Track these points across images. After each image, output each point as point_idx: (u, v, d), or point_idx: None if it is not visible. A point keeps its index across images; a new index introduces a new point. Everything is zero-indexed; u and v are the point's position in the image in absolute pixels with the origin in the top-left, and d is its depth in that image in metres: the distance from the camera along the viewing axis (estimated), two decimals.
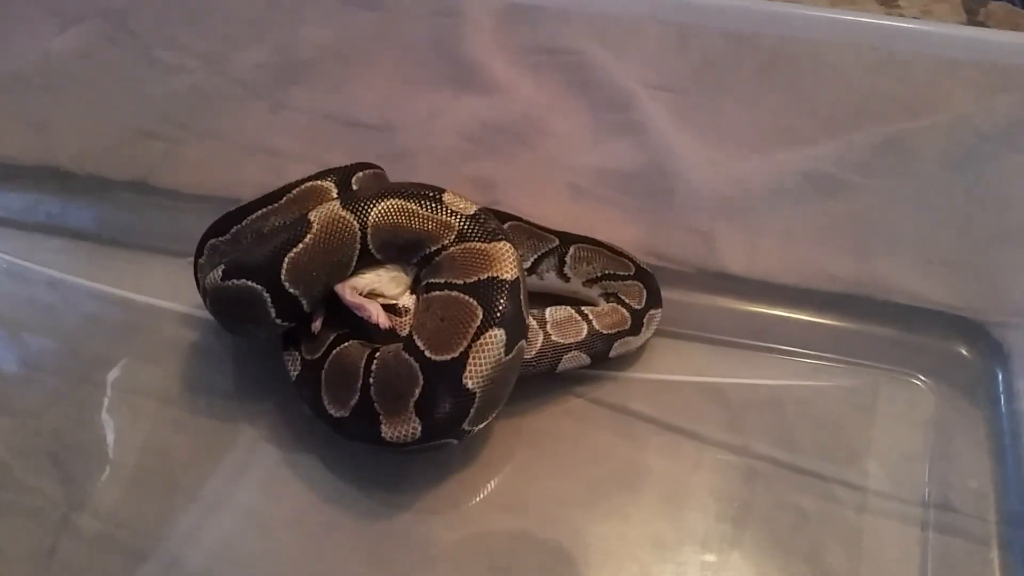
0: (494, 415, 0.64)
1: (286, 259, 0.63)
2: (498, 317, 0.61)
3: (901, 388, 0.73)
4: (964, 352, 0.75)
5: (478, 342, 0.61)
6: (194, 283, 0.71)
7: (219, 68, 0.83)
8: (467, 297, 0.62)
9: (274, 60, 0.83)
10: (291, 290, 0.64)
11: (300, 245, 0.63)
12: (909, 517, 0.66)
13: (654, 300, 0.74)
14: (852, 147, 0.77)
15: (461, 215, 0.66)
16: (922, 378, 0.73)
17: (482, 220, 0.66)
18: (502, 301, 0.62)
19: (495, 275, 0.63)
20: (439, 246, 0.65)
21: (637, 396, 0.72)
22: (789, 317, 0.77)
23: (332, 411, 0.64)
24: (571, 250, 0.76)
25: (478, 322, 0.61)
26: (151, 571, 0.63)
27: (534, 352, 0.69)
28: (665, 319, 0.76)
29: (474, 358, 0.60)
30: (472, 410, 0.61)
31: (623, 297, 0.74)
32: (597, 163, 0.79)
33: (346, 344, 0.65)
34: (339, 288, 0.66)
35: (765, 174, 0.77)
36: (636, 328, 0.72)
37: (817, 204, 0.77)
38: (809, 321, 0.77)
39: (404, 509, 0.66)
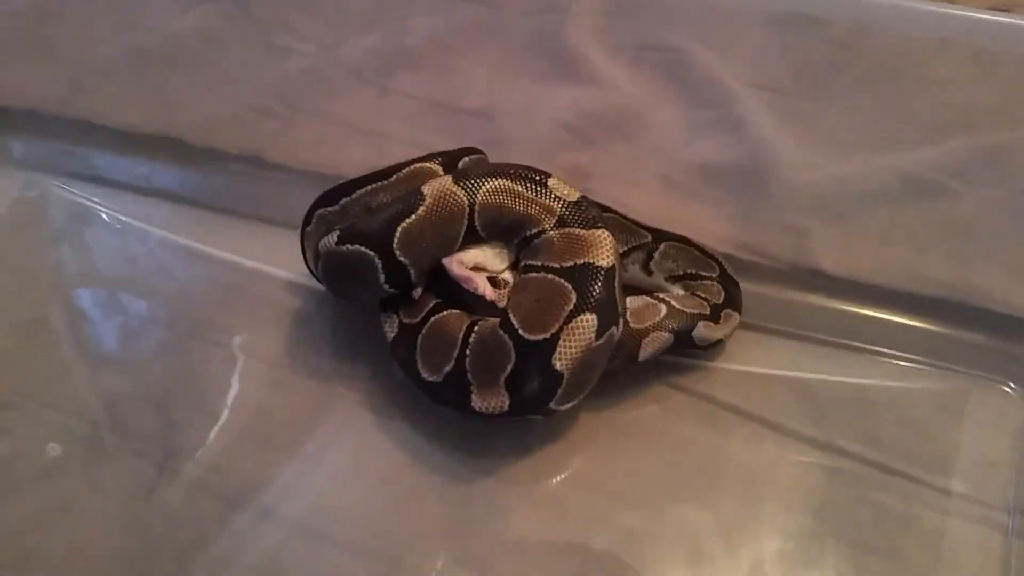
0: (581, 397, 0.65)
1: (399, 229, 0.65)
2: (591, 302, 0.63)
3: (991, 395, 0.72)
4: None
5: (570, 325, 0.62)
6: (299, 251, 0.74)
7: (331, 53, 0.87)
8: (562, 281, 0.64)
9: (383, 47, 0.87)
10: (401, 258, 0.66)
11: (413, 216, 0.66)
12: (992, 522, 0.65)
13: (733, 303, 0.74)
14: (952, 153, 0.77)
15: (563, 200, 0.67)
16: (1013, 386, 0.72)
17: (583, 207, 0.67)
18: (596, 287, 0.63)
19: (591, 261, 0.64)
20: (540, 229, 0.67)
21: (723, 386, 0.73)
22: (881, 318, 0.76)
23: (425, 375, 0.66)
24: (661, 247, 0.76)
25: (571, 305, 0.63)
26: (245, 519, 0.65)
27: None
28: (755, 313, 0.76)
29: (565, 340, 0.62)
30: (559, 390, 0.63)
31: (701, 293, 0.74)
32: (693, 157, 0.80)
33: (445, 312, 0.67)
34: (446, 261, 0.68)
35: (863, 176, 0.78)
36: (715, 317, 0.72)
37: (914, 208, 0.77)
38: (901, 323, 0.76)
39: (486, 476, 0.67)
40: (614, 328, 0.64)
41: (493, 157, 0.77)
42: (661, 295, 0.73)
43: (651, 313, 0.70)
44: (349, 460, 0.69)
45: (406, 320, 0.68)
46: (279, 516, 0.66)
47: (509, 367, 0.63)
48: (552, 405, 0.64)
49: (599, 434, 0.70)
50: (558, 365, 0.62)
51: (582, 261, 0.64)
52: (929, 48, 0.77)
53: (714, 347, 0.74)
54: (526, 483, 0.67)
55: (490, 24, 0.85)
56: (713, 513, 0.66)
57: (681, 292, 0.75)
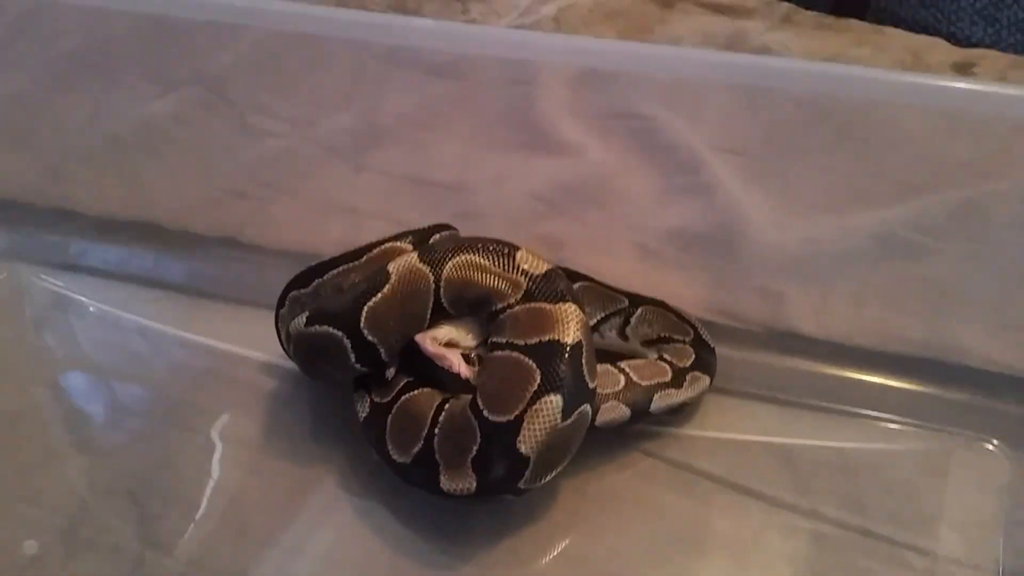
0: (554, 474, 0.64)
1: (365, 308, 0.65)
2: (556, 382, 0.61)
3: (975, 453, 0.71)
4: None
5: (534, 407, 0.61)
6: (275, 332, 0.74)
7: (306, 133, 0.88)
8: (527, 359, 0.63)
9: (358, 125, 0.87)
10: (370, 338, 0.66)
11: (379, 295, 0.66)
12: None
13: (703, 366, 0.74)
14: (925, 211, 0.77)
15: (530, 274, 0.66)
16: (996, 443, 0.71)
17: (551, 280, 0.66)
18: (561, 365, 0.62)
19: (557, 338, 0.63)
20: (505, 304, 0.66)
21: (702, 454, 0.72)
22: (860, 379, 0.76)
23: (395, 456, 0.65)
24: (638, 311, 0.76)
25: (535, 386, 0.61)
26: None
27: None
28: (732, 378, 0.76)
29: (529, 423, 0.61)
30: (527, 471, 0.62)
31: (669, 356, 0.74)
32: (665, 224, 0.80)
33: (416, 392, 0.67)
34: (419, 338, 0.67)
35: (836, 236, 0.78)
36: (677, 382, 0.71)
37: (889, 267, 0.77)
38: (880, 383, 0.76)
39: (466, 560, 0.66)
40: (586, 406, 0.63)
41: (467, 230, 0.77)
42: (621, 363, 0.72)
43: (610, 382, 0.69)
44: (327, 548, 0.68)
45: (377, 399, 0.68)
46: None
47: (475, 448, 0.62)
48: (521, 485, 0.63)
49: (579, 508, 0.69)
50: (523, 448, 0.61)
51: (547, 338, 0.63)
52: (898, 107, 0.77)
53: (678, 412, 0.73)
54: (507, 564, 0.66)
55: (460, 98, 0.85)
56: None
57: (644, 360, 0.74)
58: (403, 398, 0.67)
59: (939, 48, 0.96)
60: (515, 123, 0.85)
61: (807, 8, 1.01)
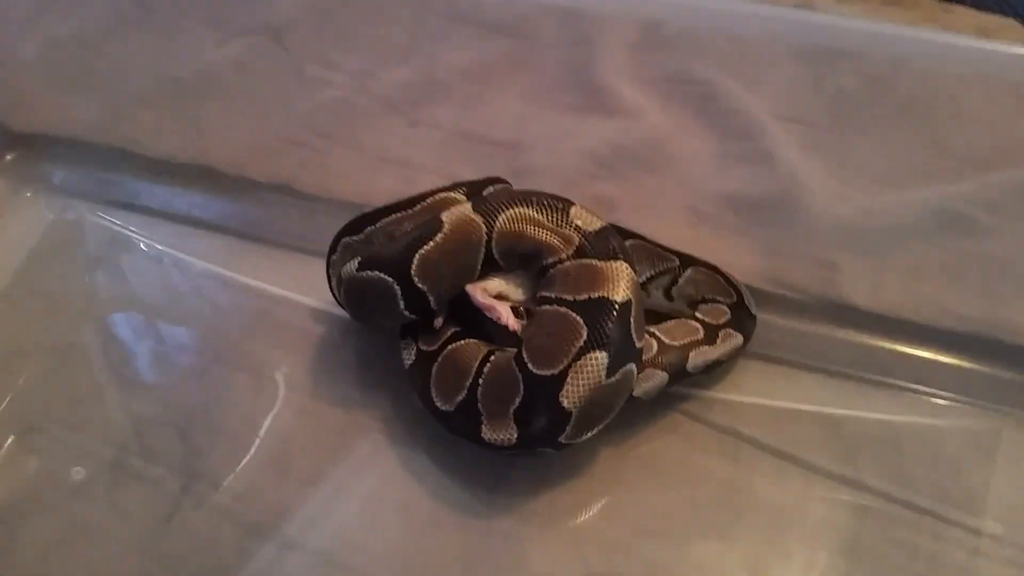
0: (595, 431, 0.64)
1: (417, 255, 0.65)
2: (603, 339, 0.61)
3: None
4: None
5: (579, 362, 0.61)
6: (325, 279, 0.75)
7: (363, 85, 0.88)
8: (574, 315, 0.62)
9: (415, 79, 0.87)
10: (420, 285, 0.66)
11: (431, 243, 0.65)
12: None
13: (738, 326, 0.73)
14: (986, 188, 0.76)
15: (583, 230, 0.66)
16: None
17: (604, 237, 0.66)
18: (609, 323, 0.61)
19: (605, 295, 0.62)
20: (556, 259, 0.66)
21: (747, 421, 0.71)
22: (911, 354, 0.75)
23: (439, 403, 0.66)
24: (687, 272, 0.75)
25: (581, 342, 0.61)
26: (265, 548, 0.66)
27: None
28: (782, 347, 0.75)
29: (573, 378, 0.60)
30: (568, 427, 0.62)
31: (701, 315, 0.73)
32: (720, 189, 0.80)
33: (462, 342, 0.67)
34: (470, 289, 0.67)
35: (895, 210, 0.77)
36: (710, 339, 0.71)
37: (947, 242, 0.76)
38: (932, 359, 0.74)
39: (504, 509, 0.67)
40: (631, 365, 0.63)
41: (520, 186, 0.77)
42: (651, 328, 0.71)
43: (646, 349, 0.68)
44: (369, 491, 0.69)
45: (424, 348, 0.68)
46: (299, 545, 0.66)
47: (518, 400, 0.62)
48: (563, 439, 0.63)
49: (619, 466, 0.69)
50: (565, 403, 0.61)
51: (596, 295, 0.63)
52: (963, 82, 0.76)
53: (714, 369, 0.72)
54: (545, 515, 0.67)
55: (520, 57, 0.85)
56: (737, 550, 0.65)
57: (674, 321, 0.73)
58: (449, 347, 0.67)
59: (1009, 28, 0.94)
60: (573, 83, 0.85)
61: None
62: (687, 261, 0.76)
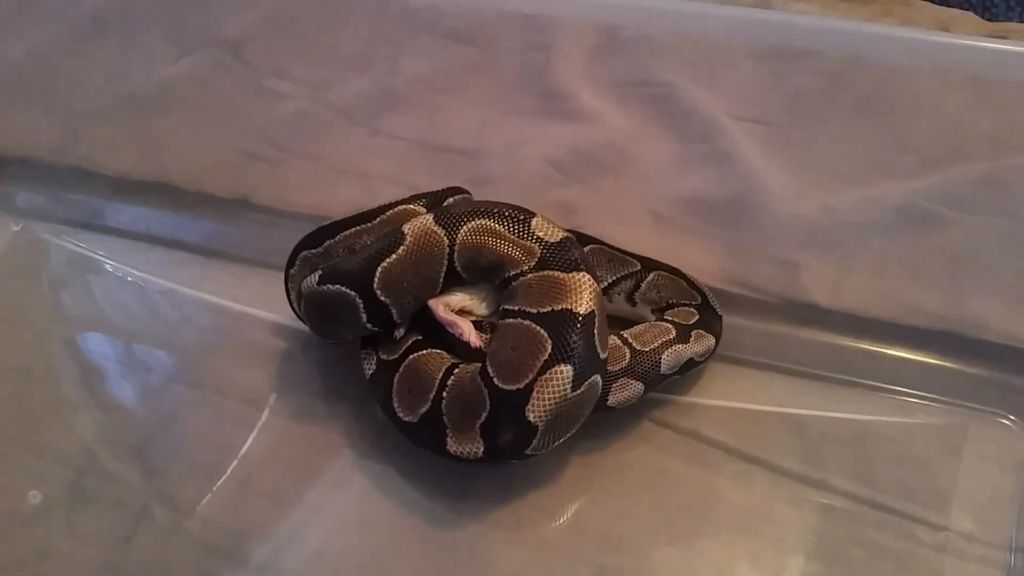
0: (561, 442, 0.63)
1: (379, 268, 0.65)
2: (567, 352, 0.60)
3: (991, 429, 0.70)
4: None
5: (544, 376, 0.60)
6: (283, 292, 0.74)
7: (321, 96, 0.88)
8: (538, 328, 0.62)
9: (373, 90, 0.87)
10: (383, 298, 0.65)
11: (393, 256, 0.65)
12: (992, 561, 0.63)
13: (708, 327, 0.72)
14: (948, 183, 0.75)
15: (545, 241, 0.65)
16: (1012, 419, 0.70)
17: (565, 248, 0.65)
18: (573, 335, 0.61)
19: (569, 307, 0.62)
20: (518, 271, 0.65)
21: (712, 423, 0.71)
22: (876, 351, 0.74)
23: (401, 415, 0.65)
24: (649, 276, 0.75)
25: (546, 355, 0.60)
26: (220, 563, 0.65)
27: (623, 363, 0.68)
28: (745, 348, 0.75)
29: (538, 392, 0.60)
30: (535, 439, 0.61)
31: (671, 317, 0.73)
32: (681, 191, 0.79)
33: (425, 351, 0.67)
34: (432, 303, 0.67)
35: (856, 207, 0.76)
36: (683, 338, 0.70)
37: (909, 239, 0.75)
38: (897, 356, 0.74)
39: (468, 520, 0.66)
40: (596, 376, 0.62)
41: (480, 196, 0.76)
42: (623, 333, 0.70)
43: (616, 357, 0.68)
44: (330, 504, 0.68)
45: (384, 357, 0.67)
46: (252, 558, 0.65)
47: (484, 415, 0.61)
48: (528, 451, 0.62)
49: (586, 474, 0.69)
50: (531, 417, 0.60)
51: (560, 307, 0.62)
52: (922, 77, 0.76)
53: (688, 371, 0.71)
54: (509, 526, 0.66)
55: (477, 64, 0.85)
56: (705, 554, 0.64)
57: (644, 324, 0.72)
58: (411, 357, 0.66)
59: (969, 21, 0.94)
60: (531, 89, 0.84)
61: None
62: (649, 265, 0.75)
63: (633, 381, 0.68)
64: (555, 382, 0.60)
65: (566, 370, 0.60)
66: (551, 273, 0.64)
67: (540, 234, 0.65)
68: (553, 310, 0.62)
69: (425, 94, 0.86)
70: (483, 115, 0.85)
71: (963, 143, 0.76)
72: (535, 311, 0.63)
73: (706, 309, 0.74)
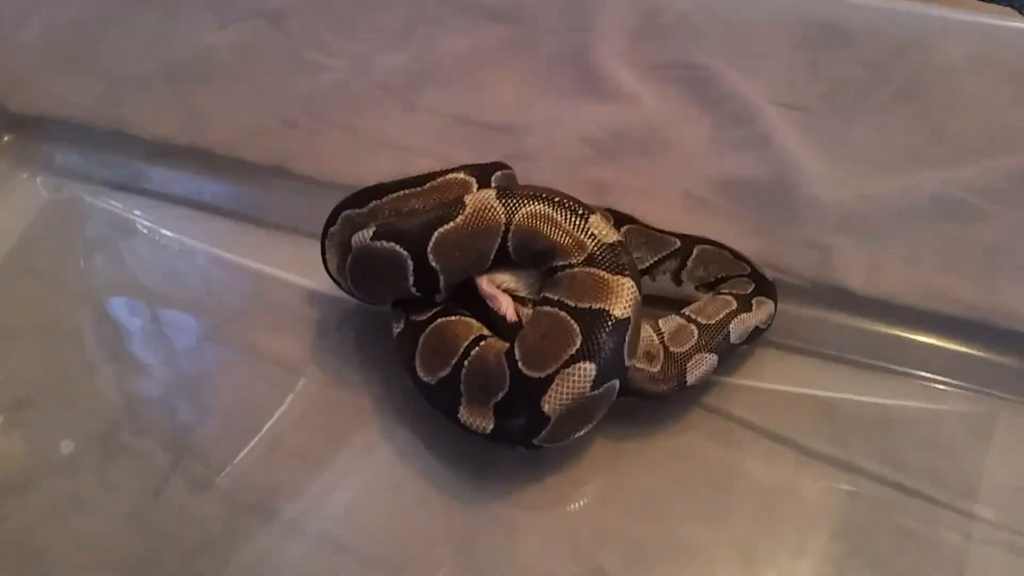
0: (570, 440, 0.64)
1: (436, 233, 0.65)
2: (595, 351, 0.61)
3: (1020, 418, 0.70)
4: None
5: (567, 370, 0.61)
6: (318, 260, 0.75)
7: (361, 69, 0.89)
8: (572, 321, 0.62)
9: (412, 64, 0.88)
10: (433, 263, 0.66)
11: (451, 224, 0.65)
12: (1018, 549, 0.63)
13: (766, 292, 0.73)
14: (984, 174, 0.76)
15: (598, 240, 0.65)
16: None
17: (616, 251, 0.65)
18: (604, 335, 0.61)
19: (606, 308, 0.62)
20: (567, 263, 0.65)
21: (740, 402, 0.71)
22: (907, 338, 0.75)
23: (421, 375, 0.66)
24: (694, 252, 0.75)
25: (574, 350, 0.61)
26: (249, 519, 0.66)
27: (658, 367, 0.68)
28: (776, 331, 0.74)
29: (558, 384, 0.61)
30: (544, 431, 0.62)
31: (726, 290, 0.74)
32: (716, 174, 0.80)
33: (454, 318, 0.67)
34: (478, 278, 0.67)
35: (892, 194, 0.77)
36: (746, 307, 0.71)
37: (944, 228, 0.76)
38: (928, 343, 0.74)
39: (494, 489, 0.67)
40: (615, 381, 0.63)
41: (516, 171, 0.77)
42: (685, 311, 0.71)
43: (687, 335, 0.69)
44: (354, 464, 0.69)
45: (413, 318, 0.68)
46: (280, 515, 0.66)
47: (501, 395, 0.62)
48: (536, 442, 0.63)
49: (609, 446, 0.69)
50: (546, 408, 0.61)
51: (597, 306, 0.62)
52: (962, 68, 0.76)
53: (756, 338, 0.72)
54: (534, 495, 0.67)
55: (517, 42, 0.85)
56: (728, 532, 0.65)
57: (703, 300, 0.73)
58: (438, 320, 0.67)
59: (1007, 16, 0.93)
60: (570, 69, 0.85)
61: None
62: (690, 241, 0.75)
63: (707, 355, 0.69)
64: (576, 377, 0.61)
65: (589, 368, 0.61)
66: (597, 272, 0.64)
67: (595, 232, 0.66)
68: (591, 307, 0.63)
69: (463, 71, 0.87)
70: (521, 93, 0.85)
71: (1000, 136, 0.76)
72: (573, 304, 0.63)
73: (758, 277, 0.74)
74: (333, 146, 0.87)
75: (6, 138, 0.94)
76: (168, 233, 0.85)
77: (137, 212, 0.87)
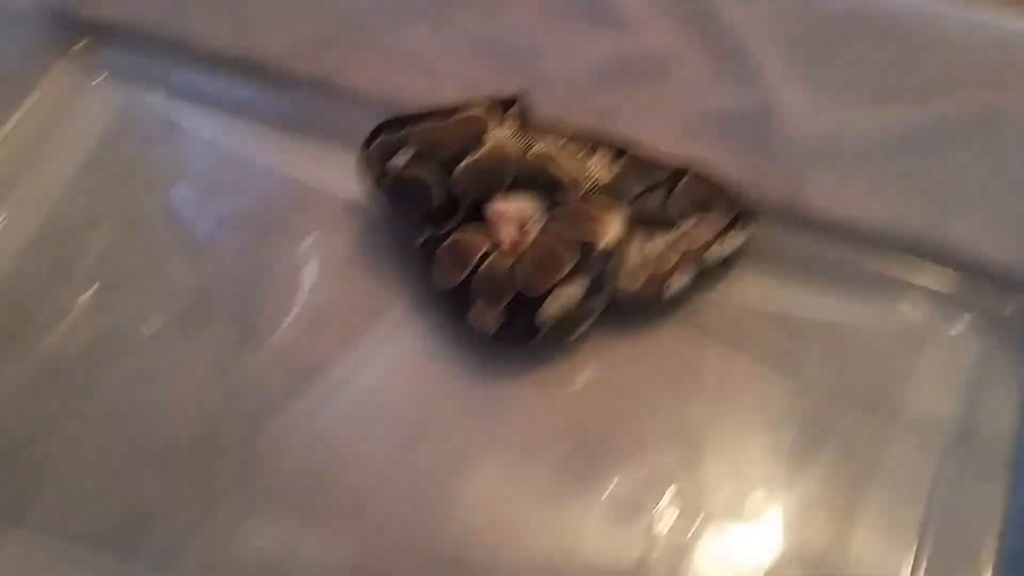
0: (564, 343, 0.79)
1: (458, 168, 0.78)
2: (585, 273, 0.74)
3: (951, 330, 0.81)
4: (1016, 307, 0.82)
5: (560, 289, 0.74)
6: (356, 171, 0.84)
7: None
8: (565, 250, 0.75)
9: None
10: (455, 191, 0.78)
11: (471, 158, 0.78)
12: (931, 447, 0.76)
13: (745, 218, 0.82)
14: (946, 113, 0.84)
15: (595, 179, 0.78)
16: (969, 324, 0.81)
17: (612, 188, 0.78)
18: (593, 261, 0.75)
19: (597, 238, 0.75)
20: (567, 197, 0.77)
21: (709, 315, 0.83)
22: (862, 259, 0.84)
23: (437, 283, 0.79)
24: (683, 180, 0.82)
25: (565, 272, 0.74)
26: (308, 387, 0.80)
27: (641, 284, 0.79)
28: (748, 252, 0.84)
29: (551, 301, 0.74)
30: (539, 336, 0.77)
31: (711, 217, 0.81)
32: (709, 105, 0.88)
33: (469, 232, 0.78)
34: (490, 204, 0.79)
35: (861, 128, 0.85)
36: (726, 231, 0.81)
37: (905, 160, 0.84)
38: (879, 264, 0.84)
39: (505, 376, 0.81)
40: (602, 295, 0.77)
41: (533, 97, 0.84)
42: (672, 237, 0.81)
43: (670, 257, 0.79)
44: (392, 350, 0.83)
45: (433, 232, 0.80)
46: (338, 389, 0.80)
47: (503, 304, 0.76)
48: (531, 343, 0.78)
49: (598, 346, 0.82)
50: (538, 320, 0.75)
51: (589, 237, 0.75)
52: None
53: (737, 260, 0.83)
54: (537, 384, 0.80)
55: None
56: (684, 421, 0.79)
57: (689, 223, 0.81)
58: (456, 234, 0.79)
59: None
60: None
61: None
62: (680, 169, 0.82)
63: (685, 275, 0.80)
64: (567, 295, 0.75)
65: (579, 286, 0.75)
66: (592, 204, 0.77)
67: (595, 170, 0.79)
68: (583, 239, 0.75)
69: None
70: (535, 18, 0.92)
71: (962, 79, 0.84)
72: (568, 234, 0.76)
73: (740, 205, 0.82)
74: (368, 63, 0.94)
75: (82, 43, 1.00)
76: (222, 141, 0.94)
77: (193, 119, 0.96)
